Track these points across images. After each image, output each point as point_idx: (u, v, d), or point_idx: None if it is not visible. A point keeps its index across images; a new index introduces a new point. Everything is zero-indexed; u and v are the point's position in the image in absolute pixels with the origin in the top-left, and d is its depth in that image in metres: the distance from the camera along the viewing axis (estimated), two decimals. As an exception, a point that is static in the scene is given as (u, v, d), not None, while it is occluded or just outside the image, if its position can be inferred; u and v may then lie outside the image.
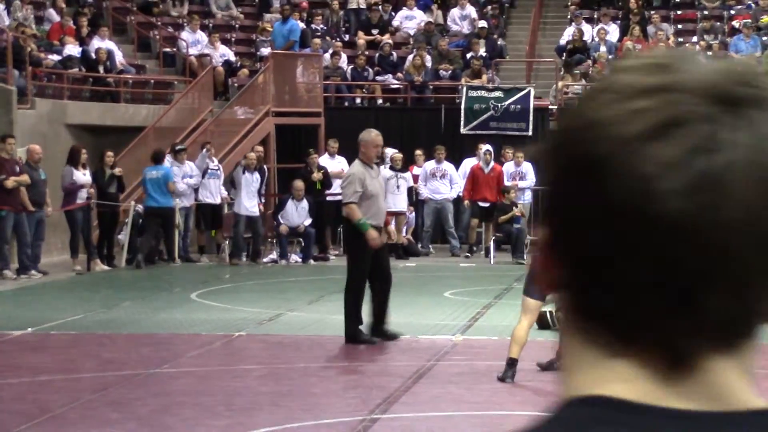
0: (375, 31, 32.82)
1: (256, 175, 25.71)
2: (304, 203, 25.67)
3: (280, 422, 10.38)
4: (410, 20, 33.21)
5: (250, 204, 25.50)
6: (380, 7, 33.50)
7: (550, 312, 16.06)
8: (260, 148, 27.19)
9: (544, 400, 11.68)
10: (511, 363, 12.19)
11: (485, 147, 27.00)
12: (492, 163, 26.84)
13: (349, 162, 27.43)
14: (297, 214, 25.68)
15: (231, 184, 25.81)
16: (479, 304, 18.58)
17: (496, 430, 10.39)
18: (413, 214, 27.72)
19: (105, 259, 24.60)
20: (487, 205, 26.67)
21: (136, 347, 14.93)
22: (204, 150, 26.17)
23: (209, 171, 26.03)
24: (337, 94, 31.11)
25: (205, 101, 29.68)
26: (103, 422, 10.37)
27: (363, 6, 33.73)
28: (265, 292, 20.87)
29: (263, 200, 26.29)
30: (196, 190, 25.95)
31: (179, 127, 28.53)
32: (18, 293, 20.62)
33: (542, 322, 16.13)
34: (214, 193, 26.03)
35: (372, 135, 15.38)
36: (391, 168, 26.26)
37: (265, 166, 26.80)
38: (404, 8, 33.44)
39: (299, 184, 25.73)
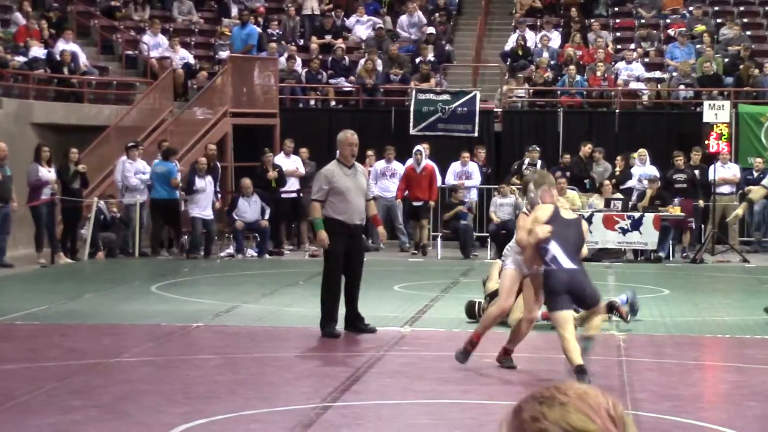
0: (328, 36, 32.82)
1: (209, 178, 25.62)
2: (255, 198, 25.68)
3: (237, 409, 10.36)
4: (361, 25, 33.21)
5: (203, 207, 25.45)
6: (333, 13, 33.53)
7: (479, 302, 16.08)
8: (213, 147, 27.08)
9: (488, 389, 11.71)
10: (580, 370, 11.61)
11: (417, 147, 27.04)
12: (424, 163, 26.82)
13: (303, 161, 27.56)
14: (250, 209, 25.68)
15: (187, 186, 25.63)
16: (426, 297, 18.61)
17: (441, 418, 10.40)
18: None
19: (68, 253, 24.53)
20: (420, 203, 26.69)
21: (98, 337, 14.88)
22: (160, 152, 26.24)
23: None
24: (292, 96, 31.09)
25: (165, 102, 29.62)
26: (65, 409, 10.32)
27: (317, 12, 33.72)
28: (221, 285, 20.84)
29: (218, 197, 26.15)
30: (149, 188, 25.90)
31: (141, 126, 28.47)
32: (-16, 285, 20.52)
33: (470, 312, 16.14)
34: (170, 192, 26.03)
35: (347, 135, 15.14)
36: None
37: (218, 164, 26.76)
38: (354, 15, 33.44)
39: (246, 181, 25.78)
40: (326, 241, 14.44)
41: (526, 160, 27.38)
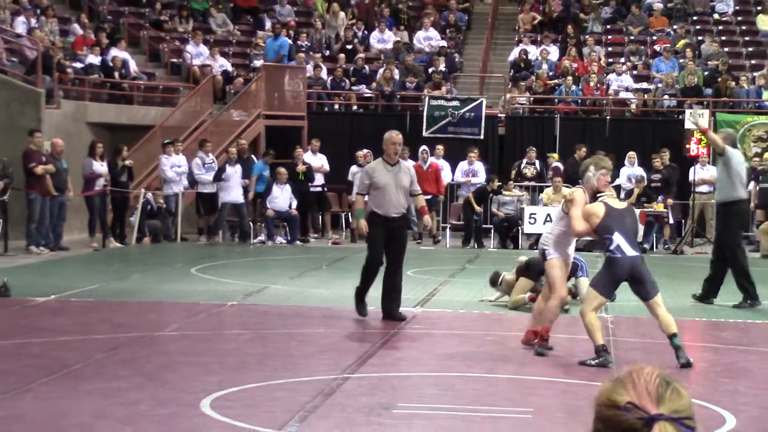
0: (351, 47, 32.80)
1: (238, 167, 25.74)
2: (287, 186, 25.80)
3: (265, 379, 10.34)
4: (381, 43, 33.18)
5: (233, 193, 25.54)
6: (355, 27, 33.51)
7: (504, 274, 15.99)
8: (243, 141, 27.22)
9: (489, 364, 11.68)
10: (601, 348, 11.44)
11: (422, 147, 27.08)
12: (429, 161, 26.83)
13: (329, 159, 27.56)
14: (282, 196, 25.76)
15: (218, 173, 25.76)
16: (436, 282, 18.59)
17: (447, 388, 10.38)
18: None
19: (118, 238, 24.58)
20: (428, 197, 26.68)
21: (143, 313, 14.88)
22: (201, 148, 26.32)
23: (206, 165, 26.10)
24: (318, 101, 31.08)
25: (205, 105, 29.64)
26: (113, 377, 10.31)
27: (342, 26, 33.70)
28: (253, 268, 20.83)
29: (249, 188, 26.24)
30: (193, 182, 26.09)
31: (183, 126, 28.49)
32: (43, 265, 20.54)
33: (494, 281, 16.06)
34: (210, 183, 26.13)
35: (391, 135, 14.77)
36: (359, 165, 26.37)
37: (253, 157, 26.88)
38: (375, 30, 33.40)
39: (282, 169, 25.96)
40: (363, 229, 14.33)
41: (524, 161, 27.43)
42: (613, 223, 11.36)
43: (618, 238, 11.31)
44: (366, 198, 14.69)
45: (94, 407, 9.03)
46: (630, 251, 11.33)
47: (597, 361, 11.29)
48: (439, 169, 26.78)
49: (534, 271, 15.47)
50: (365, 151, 26.58)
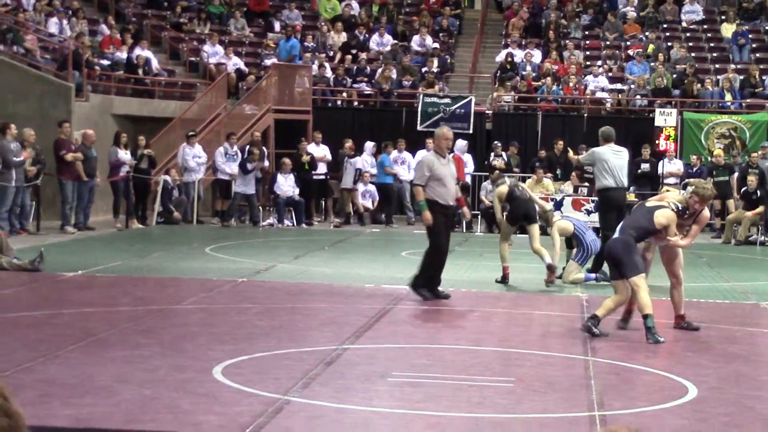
0: (353, 50, 32.75)
1: (257, 163, 25.82)
2: (291, 176, 25.85)
3: (273, 349, 10.36)
4: (380, 46, 33.14)
5: (247, 185, 25.63)
6: (357, 31, 33.46)
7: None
8: (258, 134, 27.37)
9: (475, 337, 11.69)
10: (594, 317, 11.61)
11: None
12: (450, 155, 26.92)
13: (332, 150, 27.56)
14: (286, 184, 25.82)
15: (241, 167, 25.89)
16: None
17: (437, 359, 10.39)
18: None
19: (139, 219, 24.58)
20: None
21: (162, 288, 14.89)
22: (227, 140, 26.45)
23: (228, 155, 26.20)
24: (322, 97, 31.04)
25: (220, 99, 29.61)
26: (135, 345, 10.32)
27: (344, 29, 33.64)
28: (262, 249, 20.83)
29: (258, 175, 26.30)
30: (214, 169, 26.21)
31: (200, 119, 28.48)
32: (72, 243, 20.54)
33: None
34: (229, 171, 26.22)
35: (443, 130, 14.63)
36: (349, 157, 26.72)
37: (264, 149, 26.96)
38: (376, 34, 33.35)
39: (286, 160, 26.08)
40: (431, 220, 14.03)
41: (492, 154, 27.58)
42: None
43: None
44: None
45: (117, 372, 9.04)
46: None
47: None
48: (463, 162, 26.64)
49: (513, 216, 16.22)
50: (350, 143, 27.18)
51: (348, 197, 27.15)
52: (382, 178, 27.19)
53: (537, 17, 34.81)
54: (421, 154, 27.34)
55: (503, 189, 16.54)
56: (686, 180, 24.80)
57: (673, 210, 11.84)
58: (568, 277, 16.34)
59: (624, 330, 12.16)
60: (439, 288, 14.32)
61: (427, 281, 14.26)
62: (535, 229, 16.22)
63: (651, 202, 12.14)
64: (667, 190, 13.25)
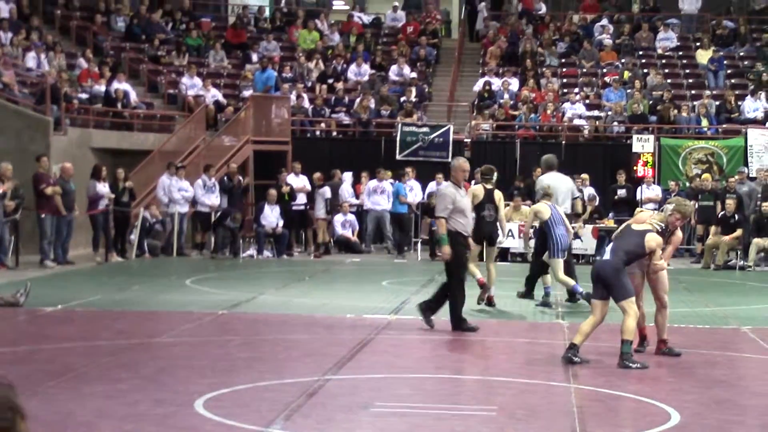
0: (331, 80, 32.81)
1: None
2: (277, 207, 25.84)
3: (254, 381, 10.30)
4: (358, 76, 33.21)
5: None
6: (334, 61, 33.52)
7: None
8: (234, 165, 27.30)
9: (458, 365, 11.66)
10: (572, 346, 11.60)
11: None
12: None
13: (311, 180, 27.55)
14: (272, 215, 25.79)
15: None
16: (408, 291, 18.56)
17: (419, 389, 10.35)
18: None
19: (119, 253, 24.49)
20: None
21: (142, 321, 14.81)
22: (204, 173, 26.43)
23: (206, 186, 26.15)
24: (301, 127, 31.07)
25: (199, 131, 29.60)
26: (115, 380, 10.25)
27: (321, 60, 33.72)
28: (242, 280, 20.76)
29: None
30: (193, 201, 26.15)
31: (179, 150, 28.44)
32: (52, 278, 20.44)
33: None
34: (209, 203, 26.16)
35: (459, 162, 14.51)
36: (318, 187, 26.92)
37: (241, 179, 26.94)
38: (353, 64, 33.42)
39: (273, 191, 25.98)
40: (452, 255, 13.87)
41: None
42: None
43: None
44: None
45: (97, 407, 8.97)
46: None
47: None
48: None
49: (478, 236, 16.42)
50: (318, 174, 27.27)
51: (321, 226, 27.11)
52: (397, 207, 27.20)
53: (514, 46, 34.98)
54: (397, 184, 27.47)
55: (539, 207, 16.92)
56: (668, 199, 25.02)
57: (658, 232, 11.92)
58: (558, 275, 16.33)
59: (641, 352, 12.22)
60: (432, 317, 14.25)
61: (458, 318, 14.06)
62: (493, 251, 17.20)
63: (637, 226, 12.13)
64: (641, 211, 13.34)
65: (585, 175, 27.06)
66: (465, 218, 14.19)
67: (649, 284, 12.44)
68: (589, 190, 26.74)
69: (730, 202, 24.80)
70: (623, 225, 12.32)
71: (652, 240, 11.76)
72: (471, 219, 14.47)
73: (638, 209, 14.70)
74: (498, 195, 17.10)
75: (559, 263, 16.43)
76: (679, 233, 12.45)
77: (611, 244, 11.96)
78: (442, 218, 14.02)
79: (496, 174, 17.68)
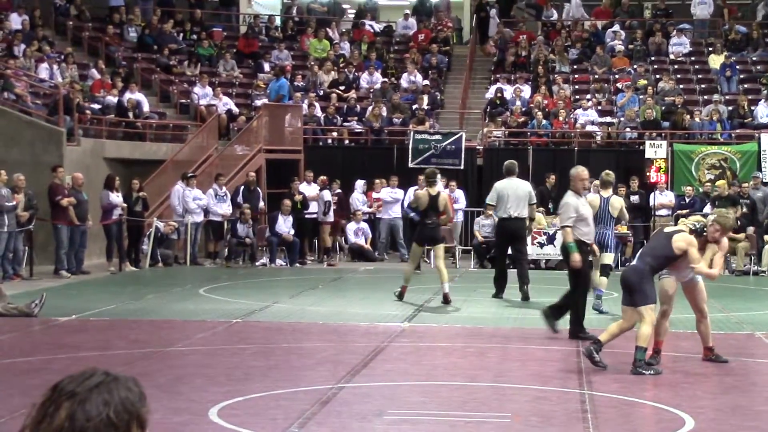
0: (342, 87, 32.87)
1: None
2: (290, 217, 25.87)
3: (268, 389, 10.34)
4: (370, 84, 33.27)
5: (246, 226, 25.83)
6: (347, 70, 33.58)
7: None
8: (253, 174, 27.30)
9: (471, 373, 11.67)
10: (596, 342, 11.67)
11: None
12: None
13: (322, 189, 27.57)
14: (285, 225, 25.83)
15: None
16: (422, 299, 18.58)
17: (433, 396, 10.38)
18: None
19: (133, 262, 24.55)
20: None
21: (157, 330, 14.86)
22: (216, 181, 26.49)
23: (218, 196, 26.21)
24: (313, 136, 31.10)
25: (211, 141, 29.65)
26: (130, 389, 10.28)
27: (334, 68, 33.77)
28: (256, 289, 20.79)
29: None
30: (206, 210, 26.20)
31: (191, 160, 28.48)
32: (66, 288, 20.50)
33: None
34: (221, 212, 26.21)
35: (578, 170, 14.55)
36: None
37: (258, 188, 26.99)
38: (365, 72, 33.48)
39: (287, 201, 25.97)
40: (581, 262, 13.86)
41: None
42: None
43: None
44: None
45: (112, 417, 9.00)
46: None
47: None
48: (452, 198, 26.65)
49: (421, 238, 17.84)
50: (322, 178, 27.32)
51: (325, 230, 27.09)
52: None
53: (504, 51, 34.92)
54: (412, 190, 27.45)
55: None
56: (705, 211, 25.03)
57: (691, 231, 11.60)
58: (595, 277, 16.09)
59: (652, 365, 12.10)
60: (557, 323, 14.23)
61: (579, 325, 14.07)
62: (440, 249, 18.03)
63: (669, 228, 12.02)
64: (683, 222, 12.69)
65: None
66: (588, 226, 14.26)
67: (686, 296, 12.21)
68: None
69: (737, 208, 24.82)
70: (656, 229, 12.27)
71: (681, 240, 11.40)
72: (593, 227, 14.54)
73: (681, 219, 13.76)
74: (443, 198, 17.88)
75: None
76: (725, 240, 11.88)
77: (641, 250, 11.95)
78: (568, 227, 14.04)
79: (439, 176, 18.30)
